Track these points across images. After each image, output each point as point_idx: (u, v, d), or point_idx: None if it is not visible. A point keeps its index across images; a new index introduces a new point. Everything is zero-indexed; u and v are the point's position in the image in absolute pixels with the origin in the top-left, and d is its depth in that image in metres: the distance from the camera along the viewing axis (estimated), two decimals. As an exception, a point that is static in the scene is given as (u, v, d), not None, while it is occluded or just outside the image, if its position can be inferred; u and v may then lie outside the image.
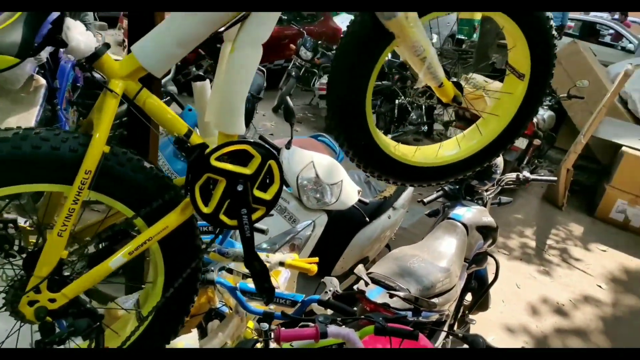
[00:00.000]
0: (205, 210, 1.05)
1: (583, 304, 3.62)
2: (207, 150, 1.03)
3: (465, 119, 4.83)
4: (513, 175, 2.82)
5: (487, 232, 2.59)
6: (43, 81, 1.66)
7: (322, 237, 2.59)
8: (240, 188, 1.06)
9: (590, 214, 5.08)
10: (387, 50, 1.20)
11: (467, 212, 2.51)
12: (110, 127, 0.95)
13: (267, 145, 1.09)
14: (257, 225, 1.84)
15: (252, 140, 1.07)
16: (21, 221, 1.11)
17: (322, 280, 1.62)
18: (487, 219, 2.59)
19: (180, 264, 1.12)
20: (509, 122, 1.42)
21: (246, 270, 1.77)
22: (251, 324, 1.93)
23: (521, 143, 4.86)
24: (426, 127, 6.20)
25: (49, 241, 0.97)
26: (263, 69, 4.35)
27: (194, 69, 3.97)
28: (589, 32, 10.28)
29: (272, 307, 1.65)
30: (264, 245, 2.44)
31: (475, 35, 9.11)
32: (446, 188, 2.71)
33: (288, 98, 2.65)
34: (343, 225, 2.73)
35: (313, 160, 2.49)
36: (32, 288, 0.98)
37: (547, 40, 1.29)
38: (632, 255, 4.44)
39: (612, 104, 5.39)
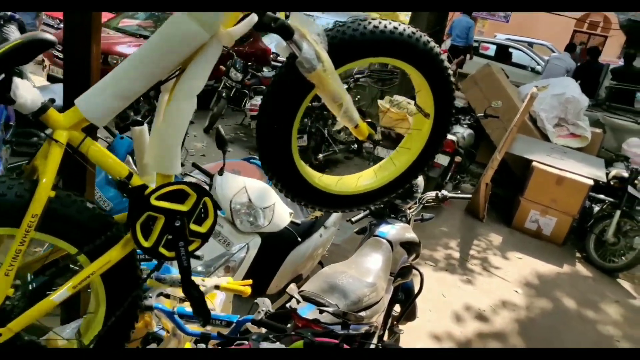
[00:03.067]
0: (145, 244, 1.15)
1: (501, 309, 3.96)
2: (147, 191, 1.14)
3: (391, 139, 5.14)
4: (433, 194, 3.08)
5: (410, 247, 2.81)
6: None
7: (257, 258, 2.70)
8: (177, 224, 1.17)
9: (508, 224, 5.53)
10: (309, 97, 1.37)
11: (392, 229, 2.72)
12: (55, 174, 1.04)
13: (201, 184, 1.22)
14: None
15: (187, 181, 1.19)
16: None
17: (255, 301, 1.74)
18: (410, 235, 2.81)
19: (121, 294, 1.21)
20: (418, 155, 1.64)
21: (182, 295, 1.86)
22: (188, 344, 2.00)
23: (444, 160, 5.23)
24: (356, 146, 6.51)
25: None
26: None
27: (132, 113, 3.91)
28: (502, 54, 11.22)
29: (208, 328, 1.75)
30: (200, 269, 2.51)
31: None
32: (372, 207, 2.93)
33: (220, 127, 2.76)
34: (276, 246, 2.85)
35: (245, 185, 2.61)
36: None
37: (447, 86, 1.52)
38: (544, 261, 4.89)
39: (523, 122, 5.93)
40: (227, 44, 1.17)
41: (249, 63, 6.67)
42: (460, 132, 5.55)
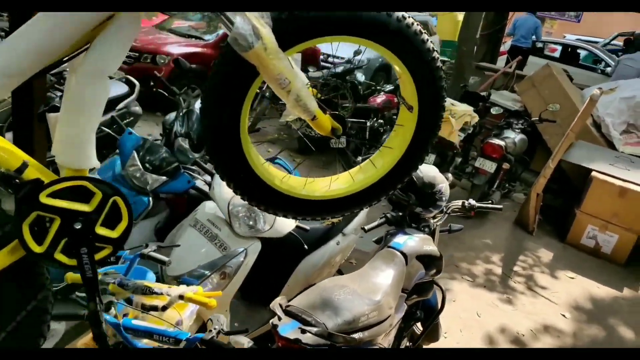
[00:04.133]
0: (36, 249, 0.99)
1: (543, 334, 3.53)
2: (41, 187, 0.97)
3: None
4: (459, 202, 2.77)
5: (429, 261, 2.52)
6: None
7: (259, 265, 2.52)
8: (77, 226, 0.99)
9: (561, 239, 5.00)
10: (256, 82, 1.15)
11: (409, 241, 2.45)
12: None
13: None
14: (156, 255, 1.78)
15: (91, 177, 1.01)
16: None
17: (210, 317, 1.54)
18: (429, 248, 2.52)
19: (16, 305, 1.05)
20: (402, 156, 1.37)
21: (148, 302, 1.70)
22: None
23: (490, 167, 4.82)
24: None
25: None
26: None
27: (57, 96, 3.67)
28: (570, 56, 10.37)
29: (156, 345, 1.58)
30: (195, 274, 2.36)
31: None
32: (388, 215, 2.66)
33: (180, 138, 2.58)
34: (281, 253, 2.65)
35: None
36: None
37: (431, 73, 1.25)
38: (600, 282, 4.36)
39: (585, 128, 5.38)
40: (146, 16, 0.98)
41: (293, 62, 6.52)
42: (511, 137, 5.09)
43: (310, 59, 7.86)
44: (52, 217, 0.98)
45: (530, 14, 8.91)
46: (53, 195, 0.97)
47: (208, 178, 2.73)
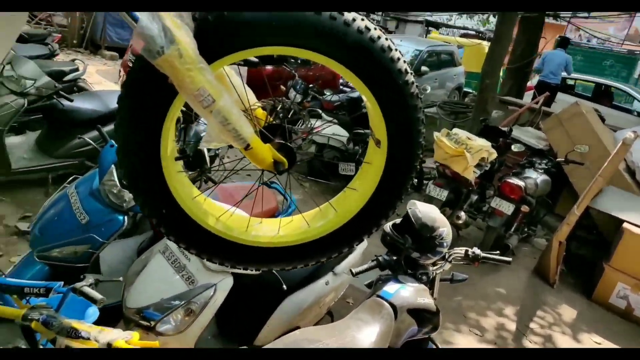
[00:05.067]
0: None
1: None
2: None
3: (446, 177, 4.48)
4: (461, 250, 2.46)
5: (423, 315, 2.21)
6: None
7: (231, 303, 2.27)
8: None
9: (587, 295, 4.52)
10: (177, 102, 0.92)
11: (401, 290, 2.15)
12: None
13: None
14: (89, 291, 1.54)
15: None
16: None
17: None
18: (424, 301, 2.21)
19: None
20: (369, 200, 1.10)
21: (73, 346, 1.47)
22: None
23: (507, 208, 4.46)
24: (416, 181, 5.87)
25: None
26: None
27: None
28: (602, 94, 9.87)
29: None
30: (160, 307, 2.13)
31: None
32: (380, 258, 2.37)
33: (205, 147, 2.39)
34: (256, 291, 2.39)
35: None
36: None
37: (404, 100, 0.99)
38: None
39: (617, 173, 4.97)
40: None
41: (311, 85, 6.36)
42: (533, 178, 4.74)
43: (329, 82, 7.70)
44: None
45: (560, 49, 8.50)
46: None
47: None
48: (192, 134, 3.41)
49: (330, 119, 5.78)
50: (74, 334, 1.41)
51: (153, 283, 2.18)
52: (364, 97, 1.01)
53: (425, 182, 5.66)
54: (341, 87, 7.78)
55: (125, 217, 2.57)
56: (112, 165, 2.56)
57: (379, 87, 0.97)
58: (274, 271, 2.35)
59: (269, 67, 7.09)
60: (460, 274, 2.56)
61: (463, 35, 14.81)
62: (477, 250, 2.39)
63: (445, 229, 2.32)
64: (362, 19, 0.93)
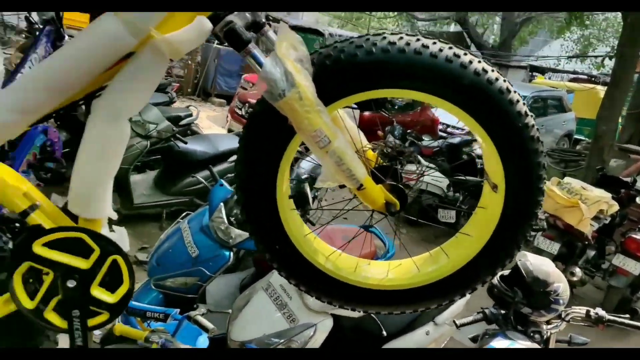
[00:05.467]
0: (27, 305, 0.87)
1: None
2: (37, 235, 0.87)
3: (557, 229, 4.16)
4: (582, 310, 2.23)
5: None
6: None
7: (337, 346, 2.25)
8: (71, 284, 0.87)
9: None
10: (294, 143, 0.97)
11: (510, 347, 2.01)
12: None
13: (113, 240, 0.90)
14: (203, 321, 1.62)
15: (91, 229, 0.89)
16: None
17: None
18: (537, 362, 2.03)
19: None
20: (483, 247, 1.06)
21: None
22: None
23: (633, 267, 4.01)
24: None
25: None
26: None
27: None
28: None
29: None
30: (253, 344, 2.18)
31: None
32: (487, 311, 2.23)
33: (307, 185, 2.47)
34: (354, 335, 2.35)
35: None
36: None
37: (524, 143, 0.96)
38: None
39: None
40: (171, 55, 0.87)
41: (409, 130, 6.36)
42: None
43: (427, 128, 7.64)
44: (44, 270, 0.87)
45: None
46: (49, 245, 0.86)
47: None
48: (294, 175, 3.56)
49: (427, 164, 5.71)
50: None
51: (255, 319, 2.24)
52: (479, 140, 0.99)
53: (533, 233, 5.30)
54: (440, 133, 7.68)
55: (231, 253, 2.70)
56: (221, 204, 2.73)
57: (497, 129, 0.95)
58: (375, 316, 2.32)
59: (367, 113, 7.22)
60: (579, 337, 2.32)
61: (573, 80, 14.00)
62: (601, 312, 2.16)
63: (561, 284, 2.13)
64: (479, 61, 0.93)
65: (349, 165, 0.93)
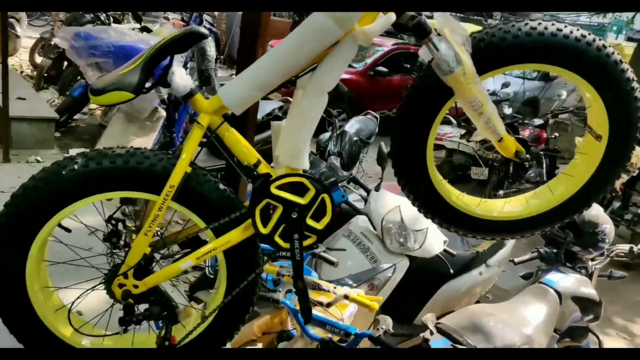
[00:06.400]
0: (263, 231, 1.21)
1: None
2: (270, 180, 1.20)
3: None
4: (626, 247, 2.57)
5: (586, 305, 2.38)
6: (163, 113, 2.01)
7: (405, 284, 2.60)
8: (294, 215, 1.20)
9: None
10: (448, 104, 1.27)
11: (563, 280, 2.35)
12: (193, 152, 1.17)
13: (324, 181, 1.23)
14: (327, 256, 1.97)
15: (309, 175, 1.22)
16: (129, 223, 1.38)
17: (376, 317, 1.67)
18: (587, 290, 2.39)
19: (240, 275, 1.29)
20: (583, 185, 1.38)
21: (315, 298, 1.89)
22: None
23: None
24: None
25: (137, 239, 1.21)
26: (377, 115, 4.54)
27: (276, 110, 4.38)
28: None
29: (329, 335, 1.74)
30: (347, 280, 2.53)
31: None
32: (541, 250, 2.57)
33: (382, 143, 2.77)
34: (426, 274, 2.71)
35: (400, 205, 2.56)
36: (122, 273, 1.22)
37: (627, 103, 1.26)
38: None
39: None
40: (363, 42, 1.17)
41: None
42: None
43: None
44: (276, 205, 1.20)
45: None
46: (279, 187, 1.19)
47: (363, 193, 2.91)
48: (347, 139, 3.89)
49: (462, 126, 5.98)
50: (317, 286, 1.84)
51: (341, 261, 2.59)
52: (587, 98, 1.29)
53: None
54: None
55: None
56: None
57: (609, 93, 1.24)
58: (442, 257, 2.66)
59: (397, 76, 7.47)
60: (618, 272, 2.67)
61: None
62: (642, 247, 2.50)
63: (608, 225, 2.46)
64: (599, 39, 1.22)
65: (494, 123, 1.24)
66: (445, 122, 6.06)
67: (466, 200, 1.44)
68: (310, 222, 1.23)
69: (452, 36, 1.15)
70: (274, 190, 1.19)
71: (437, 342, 1.84)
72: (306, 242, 1.24)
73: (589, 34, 1.21)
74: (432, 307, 2.85)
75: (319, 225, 1.24)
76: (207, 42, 4.30)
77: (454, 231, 1.47)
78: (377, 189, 2.62)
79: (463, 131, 5.64)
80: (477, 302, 3.23)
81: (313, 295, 1.89)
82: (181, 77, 1.16)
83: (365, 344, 1.68)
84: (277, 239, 1.22)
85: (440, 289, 2.82)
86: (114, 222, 1.33)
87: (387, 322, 1.63)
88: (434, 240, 2.58)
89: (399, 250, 2.54)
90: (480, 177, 5.31)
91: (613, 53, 1.22)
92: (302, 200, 1.21)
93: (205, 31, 1.20)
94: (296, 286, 1.30)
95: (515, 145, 1.35)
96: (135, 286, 1.24)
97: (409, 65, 7.97)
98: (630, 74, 1.24)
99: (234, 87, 1.19)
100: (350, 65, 7.89)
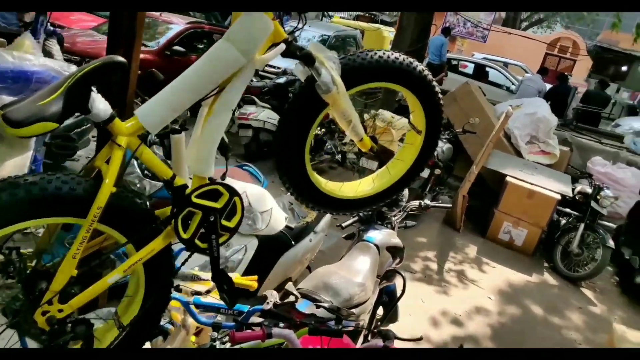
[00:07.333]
0: (184, 236, 1.34)
1: (476, 314, 4.22)
2: (188, 190, 1.33)
3: (373, 151, 5.39)
4: (416, 202, 3.32)
5: (395, 251, 3.03)
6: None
7: (253, 259, 2.88)
8: (212, 219, 1.36)
9: (482, 235, 5.82)
10: (322, 114, 1.58)
11: (378, 235, 2.94)
12: (117, 173, 1.22)
13: (232, 185, 1.41)
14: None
15: (222, 182, 1.39)
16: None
17: (263, 293, 1.93)
18: (395, 240, 3.04)
19: (158, 280, 1.39)
20: (411, 165, 1.87)
21: (195, 288, 2.04)
22: (193, 338, 2.17)
23: (424, 172, 5.51)
24: (340, 156, 6.75)
25: (64, 262, 1.21)
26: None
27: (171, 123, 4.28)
28: (480, 73, 11.71)
29: (219, 318, 1.93)
30: (197, 269, 2.68)
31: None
32: (361, 214, 3.15)
33: (224, 135, 2.95)
34: (271, 249, 3.04)
35: (246, 190, 2.80)
36: (47, 301, 1.20)
37: (437, 107, 1.76)
38: (515, 270, 5.20)
39: (499, 139, 6.28)
40: (259, 67, 1.37)
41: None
42: (440, 146, 5.84)
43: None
44: (196, 212, 1.34)
45: (441, 35, 10.07)
46: (198, 196, 1.33)
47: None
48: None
49: (262, 104, 6.39)
50: (196, 278, 2.00)
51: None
52: (411, 104, 1.74)
53: (348, 157, 6.56)
54: (260, 73, 8.31)
55: (147, 203, 3.03)
56: (133, 159, 2.98)
57: (424, 99, 1.71)
58: (284, 232, 3.02)
59: (194, 56, 7.43)
60: (410, 222, 3.43)
61: (356, 18, 15.93)
62: (427, 201, 3.27)
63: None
64: (419, 65, 1.65)
65: (358, 128, 1.60)
66: (249, 102, 6.41)
67: (330, 186, 1.80)
68: (223, 222, 1.40)
69: (327, 62, 1.45)
70: (194, 199, 1.32)
71: (302, 304, 2.20)
72: (221, 239, 1.42)
73: (414, 61, 1.65)
74: (273, 277, 3.20)
75: (231, 224, 1.43)
76: (51, 45, 4.08)
77: (324, 212, 1.81)
78: (222, 178, 2.80)
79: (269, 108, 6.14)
80: (308, 267, 3.73)
81: (192, 285, 2.04)
82: (101, 103, 1.18)
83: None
84: (196, 241, 1.37)
85: (279, 260, 3.19)
86: (6, 251, 1.27)
87: (274, 295, 1.89)
88: (277, 218, 2.91)
89: (248, 232, 2.80)
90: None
91: (424, 70, 1.68)
92: (217, 205, 1.37)
93: (122, 59, 1.23)
94: (220, 280, 1.47)
95: (370, 142, 1.74)
96: (60, 310, 1.23)
97: (204, 45, 7.97)
98: (437, 87, 1.73)
99: (151, 109, 1.27)
100: (144, 44, 7.52)
